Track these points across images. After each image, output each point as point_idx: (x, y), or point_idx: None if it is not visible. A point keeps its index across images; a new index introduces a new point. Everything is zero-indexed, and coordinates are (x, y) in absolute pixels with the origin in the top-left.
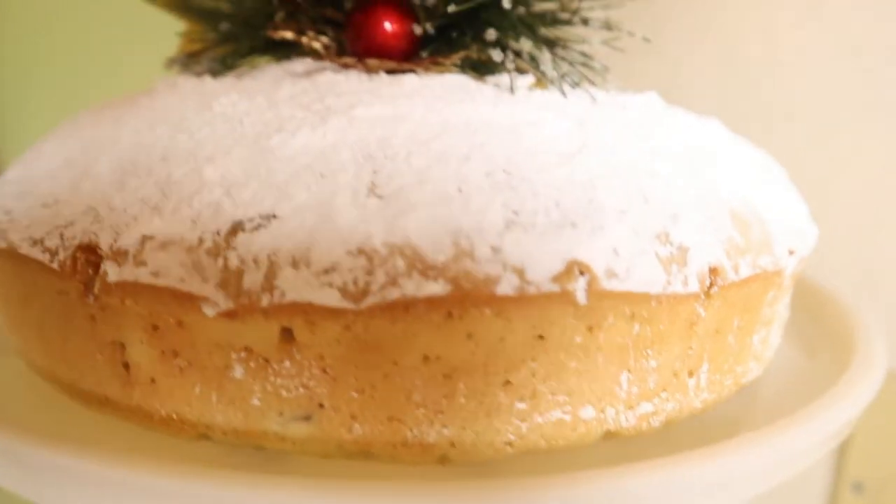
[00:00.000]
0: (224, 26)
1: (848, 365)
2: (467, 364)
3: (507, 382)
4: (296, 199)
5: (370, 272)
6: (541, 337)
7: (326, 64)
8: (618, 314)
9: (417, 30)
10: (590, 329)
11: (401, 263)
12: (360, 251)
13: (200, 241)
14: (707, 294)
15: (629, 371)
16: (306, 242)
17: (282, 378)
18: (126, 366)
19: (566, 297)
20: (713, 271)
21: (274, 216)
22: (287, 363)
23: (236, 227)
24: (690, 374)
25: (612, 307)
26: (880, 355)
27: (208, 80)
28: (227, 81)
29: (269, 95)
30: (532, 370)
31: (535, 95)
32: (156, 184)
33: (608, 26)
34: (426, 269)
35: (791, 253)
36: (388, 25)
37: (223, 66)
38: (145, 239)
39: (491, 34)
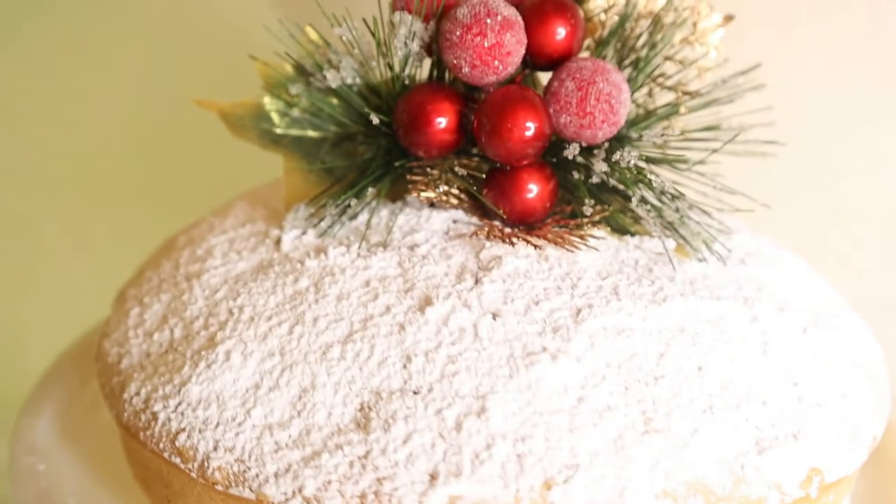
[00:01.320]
0: (328, 162)
1: None
2: None
3: None
4: (587, 441)
5: None
6: None
7: (474, 225)
8: (825, 493)
9: (588, 211)
10: None
11: (699, 500)
12: (665, 493)
13: (517, 499)
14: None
15: None
16: (617, 489)
17: None
18: None
19: (806, 497)
20: (874, 439)
21: (577, 465)
22: None
23: (549, 482)
24: None
25: (825, 493)
26: None
27: (372, 260)
28: (391, 258)
29: (479, 300)
30: None
31: (690, 271)
32: (429, 428)
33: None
34: (718, 501)
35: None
36: (532, 188)
37: (343, 212)
38: (454, 499)
39: (643, 209)
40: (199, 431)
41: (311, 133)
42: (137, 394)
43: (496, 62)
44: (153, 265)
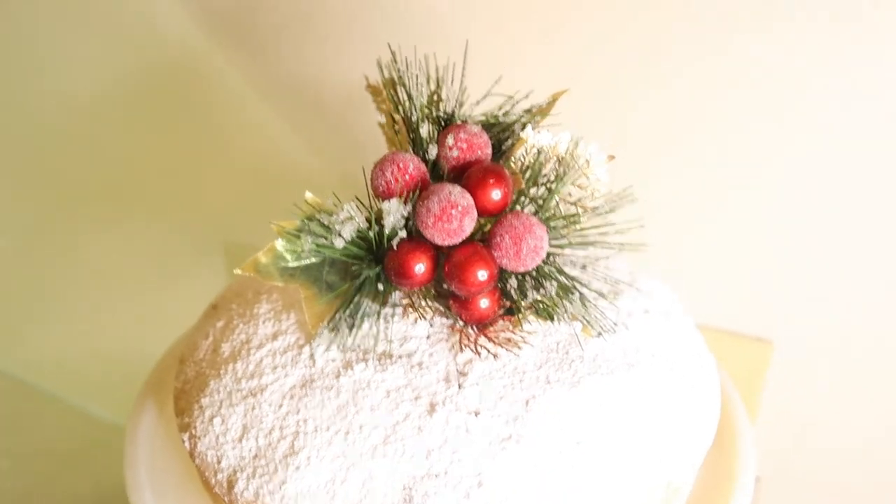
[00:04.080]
0: (330, 280)
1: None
2: None
3: None
4: (547, 488)
5: None
6: None
7: (446, 328)
8: (675, 492)
9: (527, 327)
10: None
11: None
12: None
13: None
14: None
15: None
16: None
17: None
18: None
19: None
20: (706, 449)
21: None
22: None
23: None
24: None
25: (675, 492)
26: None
27: (386, 373)
28: (398, 369)
29: (465, 402)
30: None
31: (593, 348)
32: (452, 500)
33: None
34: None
35: None
36: (485, 301)
37: (353, 327)
38: None
39: (560, 311)
40: None
41: (314, 259)
42: (246, 489)
43: (458, 236)
44: (214, 374)
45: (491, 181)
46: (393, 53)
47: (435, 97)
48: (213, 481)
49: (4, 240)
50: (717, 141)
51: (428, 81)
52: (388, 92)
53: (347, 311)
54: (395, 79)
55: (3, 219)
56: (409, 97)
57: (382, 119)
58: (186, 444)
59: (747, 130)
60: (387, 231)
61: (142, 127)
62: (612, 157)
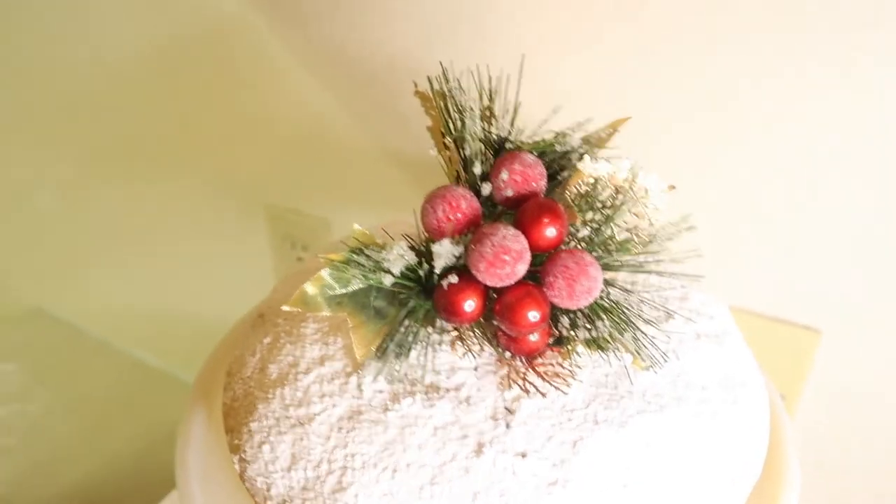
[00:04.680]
0: (378, 305)
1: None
2: None
3: None
4: None
5: None
6: None
7: (494, 359)
8: None
9: (576, 360)
10: None
11: None
12: None
13: None
14: None
15: None
16: None
17: None
18: None
19: None
20: (753, 483)
21: None
22: None
23: None
24: None
25: None
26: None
27: (434, 409)
28: (446, 404)
29: (513, 443)
30: None
31: (643, 381)
32: None
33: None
34: None
35: None
36: (534, 337)
37: (400, 355)
38: None
39: (612, 346)
40: None
41: (361, 285)
42: None
43: (510, 280)
44: (262, 398)
45: (546, 220)
46: (444, 70)
47: (487, 112)
48: None
49: (59, 198)
50: (771, 128)
51: (480, 96)
52: (437, 102)
53: (395, 340)
54: (446, 93)
55: (61, 178)
56: (463, 123)
57: (430, 124)
58: (237, 466)
59: (800, 119)
60: (437, 272)
61: (190, 92)
62: (672, 187)
